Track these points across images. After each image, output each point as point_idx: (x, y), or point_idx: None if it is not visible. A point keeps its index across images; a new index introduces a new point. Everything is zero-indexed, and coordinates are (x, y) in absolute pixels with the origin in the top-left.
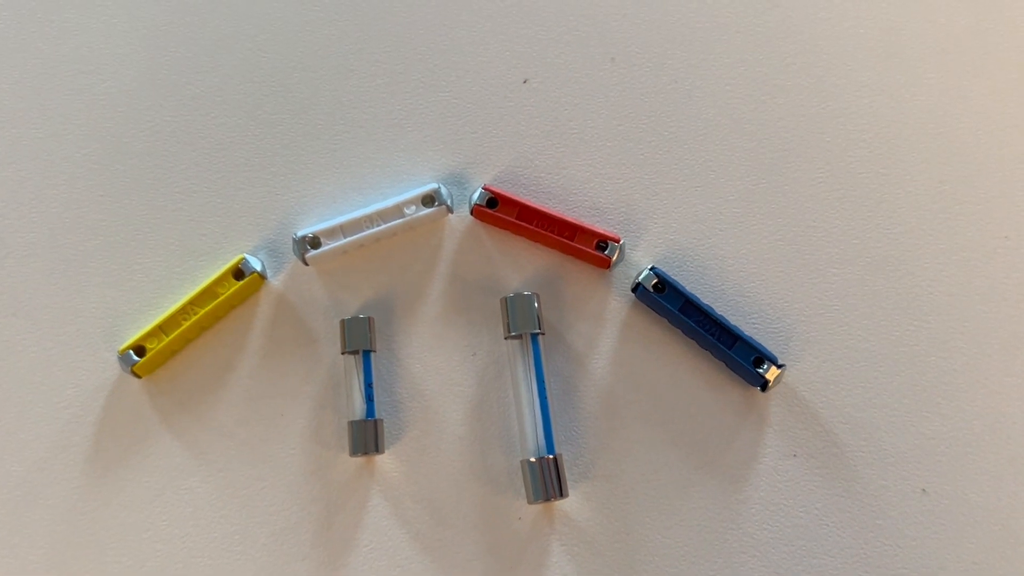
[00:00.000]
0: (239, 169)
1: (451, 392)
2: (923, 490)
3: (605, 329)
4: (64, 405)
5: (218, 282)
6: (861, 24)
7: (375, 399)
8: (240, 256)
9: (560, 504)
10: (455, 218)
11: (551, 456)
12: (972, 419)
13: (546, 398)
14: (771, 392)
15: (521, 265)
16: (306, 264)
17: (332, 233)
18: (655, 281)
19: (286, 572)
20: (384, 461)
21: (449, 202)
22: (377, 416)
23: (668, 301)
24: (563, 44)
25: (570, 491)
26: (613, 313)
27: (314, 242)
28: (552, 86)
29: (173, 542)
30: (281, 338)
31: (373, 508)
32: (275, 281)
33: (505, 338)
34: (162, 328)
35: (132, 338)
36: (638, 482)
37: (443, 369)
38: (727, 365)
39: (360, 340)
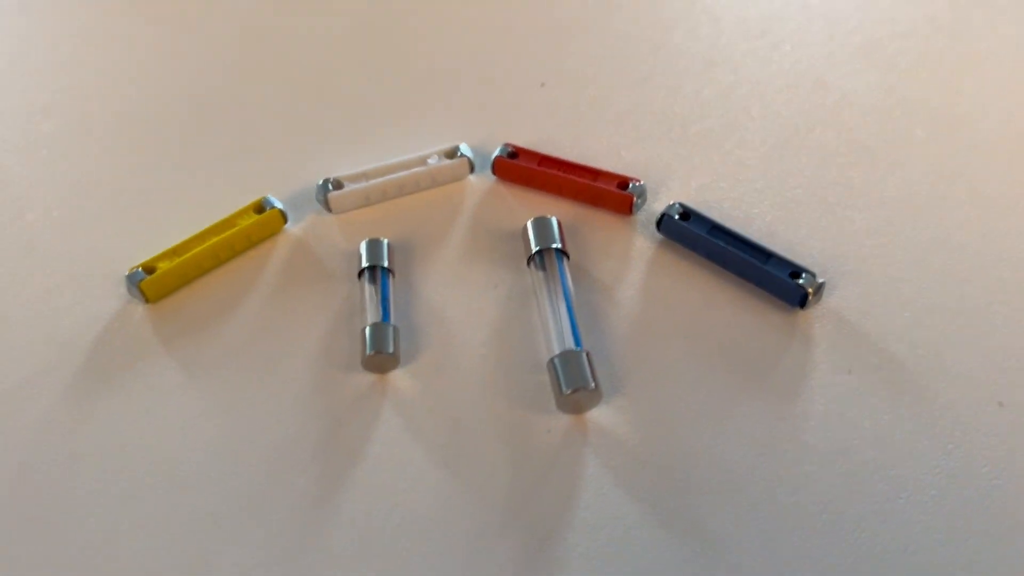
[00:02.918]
0: (276, 136)
1: (472, 318)
2: (1000, 403)
3: (632, 265)
4: (66, 328)
5: (238, 215)
6: None
7: (391, 314)
8: (262, 196)
9: (593, 415)
10: (476, 180)
11: (579, 349)
12: None
13: (571, 304)
14: (813, 312)
15: (544, 215)
16: (328, 208)
17: (355, 179)
18: (681, 211)
19: (283, 484)
20: (398, 377)
21: (471, 157)
22: (394, 326)
23: (696, 227)
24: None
25: (603, 405)
26: (639, 252)
27: (337, 184)
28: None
29: (159, 455)
30: (296, 276)
31: (384, 422)
32: (295, 229)
33: (528, 263)
34: (175, 251)
35: (144, 260)
36: (678, 396)
37: (463, 300)
38: (763, 286)
39: (377, 257)
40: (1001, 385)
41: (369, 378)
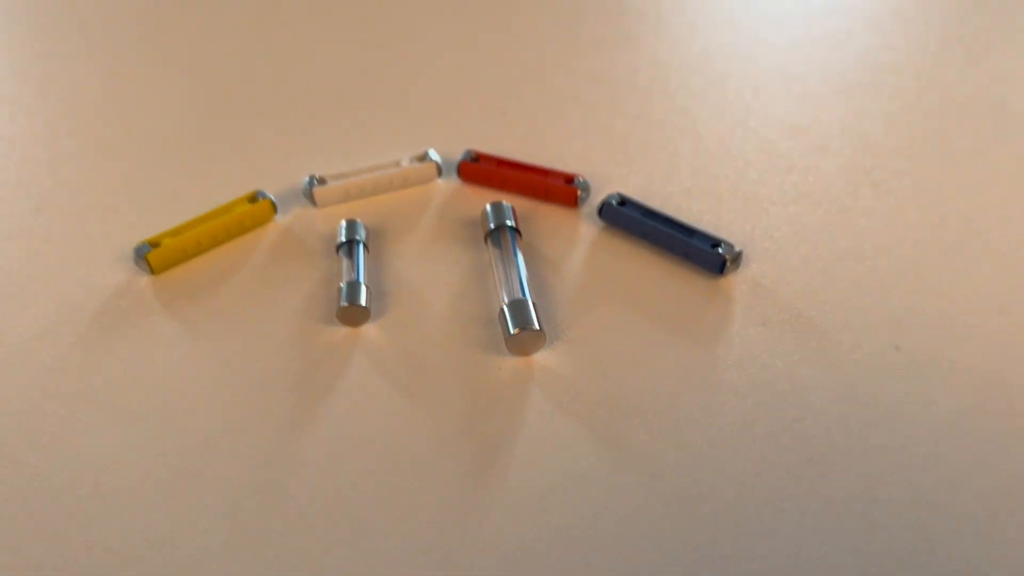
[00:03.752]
0: (268, 141)
1: (436, 287)
2: (896, 347)
3: (577, 247)
4: (77, 294)
5: (233, 203)
6: None
7: (363, 277)
8: (255, 190)
9: (538, 357)
10: (444, 182)
11: (526, 298)
12: (940, 283)
13: (521, 268)
14: (732, 279)
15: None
16: (313, 202)
17: (337, 177)
18: (619, 199)
19: (263, 411)
20: (369, 329)
21: (439, 162)
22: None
23: (631, 211)
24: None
25: (548, 349)
26: (583, 237)
27: (321, 180)
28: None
29: (157, 389)
30: (283, 256)
31: (355, 364)
32: (284, 219)
33: (485, 240)
34: (176, 231)
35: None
36: (612, 343)
37: (429, 273)
38: (688, 258)
39: (354, 232)
40: (898, 333)
41: (343, 330)
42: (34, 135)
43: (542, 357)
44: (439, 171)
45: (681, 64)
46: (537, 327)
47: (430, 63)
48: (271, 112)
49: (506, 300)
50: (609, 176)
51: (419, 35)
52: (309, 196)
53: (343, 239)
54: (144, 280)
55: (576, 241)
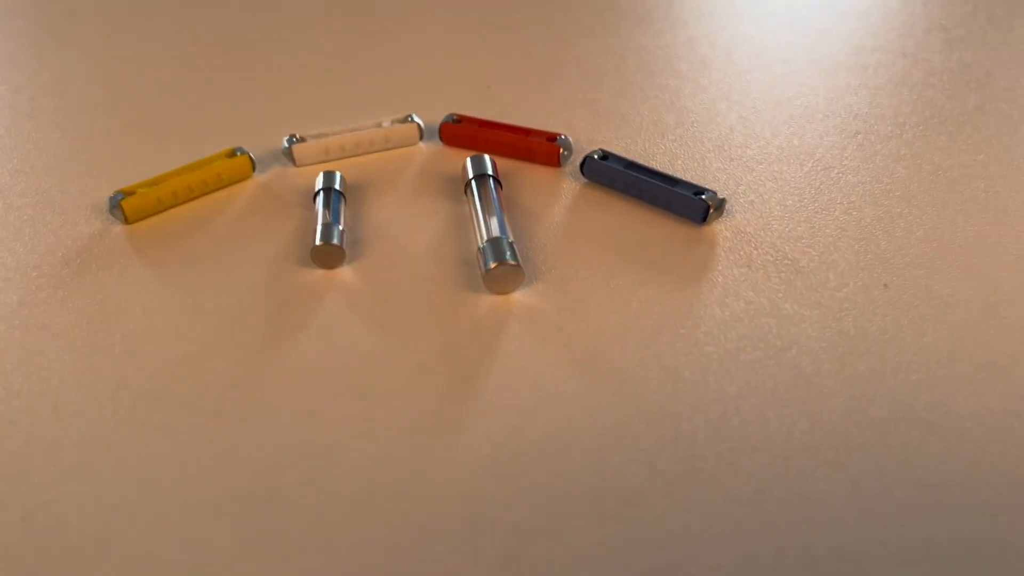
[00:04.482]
0: (251, 105)
1: (413, 234)
2: (884, 285)
3: (559, 201)
4: (50, 241)
5: (212, 158)
6: None
7: (340, 221)
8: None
9: (516, 296)
10: (426, 146)
11: (505, 237)
12: (928, 230)
13: (501, 210)
14: (716, 227)
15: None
16: (293, 160)
17: (317, 136)
18: (601, 154)
19: (235, 341)
20: (344, 272)
21: (421, 124)
22: (342, 228)
23: (614, 164)
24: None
25: (527, 288)
26: (566, 192)
27: (301, 139)
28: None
29: (131, 322)
30: (261, 209)
31: (330, 302)
32: (262, 177)
33: (465, 191)
34: (153, 182)
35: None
36: (593, 283)
37: (407, 222)
38: (672, 208)
39: (331, 182)
40: (886, 274)
41: (318, 272)
42: (16, 95)
43: (521, 295)
44: (420, 133)
45: (666, 52)
46: (514, 262)
47: (419, 38)
48: (254, 79)
49: (485, 238)
50: (592, 142)
51: (409, 10)
52: (289, 155)
53: (320, 187)
54: (119, 228)
55: (558, 196)
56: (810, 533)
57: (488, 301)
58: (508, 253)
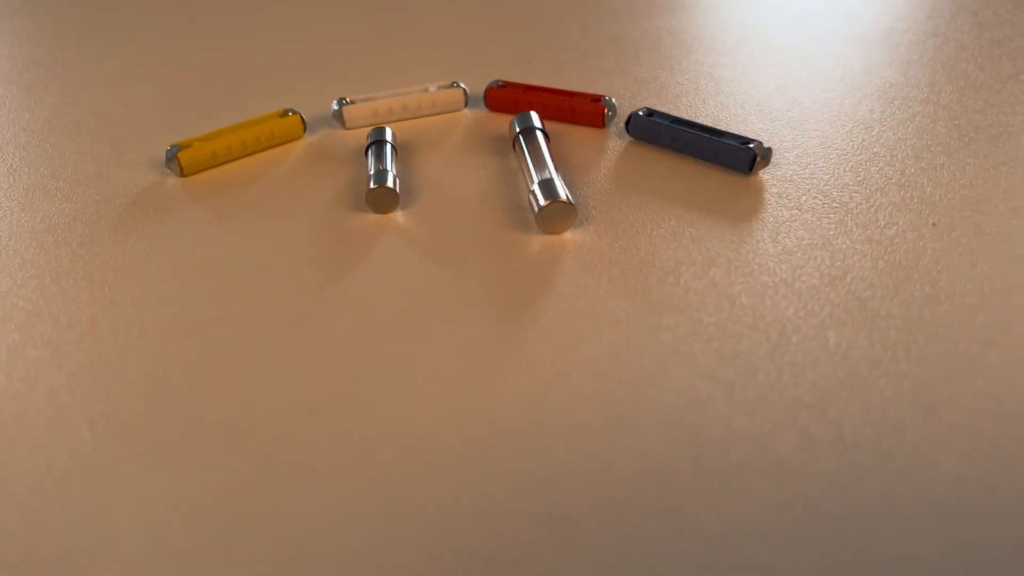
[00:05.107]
0: (300, 72)
1: (464, 186)
2: (933, 224)
3: (605, 157)
4: (109, 189)
5: (265, 116)
6: None
7: (393, 168)
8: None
9: (568, 235)
10: (471, 112)
11: (556, 177)
12: (973, 180)
13: (550, 156)
14: (763, 176)
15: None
16: (343, 122)
17: (366, 99)
18: (647, 111)
19: (289, 278)
20: (398, 216)
21: (467, 89)
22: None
23: (660, 120)
24: None
25: (578, 228)
26: (612, 150)
27: (351, 102)
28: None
29: (186, 263)
30: (313, 165)
31: (384, 241)
32: (313, 138)
33: (513, 147)
34: (208, 137)
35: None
36: (645, 222)
37: (457, 174)
38: (718, 160)
39: (382, 135)
40: (934, 215)
41: (373, 216)
42: (83, 61)
43: (573, 235)
44: (466, 98)
45: (700, 32)
46: (567, 199)
47: (463, 14)
48: (307, 49)
49: (536, 180)
50: (634, 107)
51: None
52: (339, 117)
53: (372, 140)
54: (174, 180)
55: (604, 154)
56: (879, 433)
57: (540, 241)
58: (559, 190)
